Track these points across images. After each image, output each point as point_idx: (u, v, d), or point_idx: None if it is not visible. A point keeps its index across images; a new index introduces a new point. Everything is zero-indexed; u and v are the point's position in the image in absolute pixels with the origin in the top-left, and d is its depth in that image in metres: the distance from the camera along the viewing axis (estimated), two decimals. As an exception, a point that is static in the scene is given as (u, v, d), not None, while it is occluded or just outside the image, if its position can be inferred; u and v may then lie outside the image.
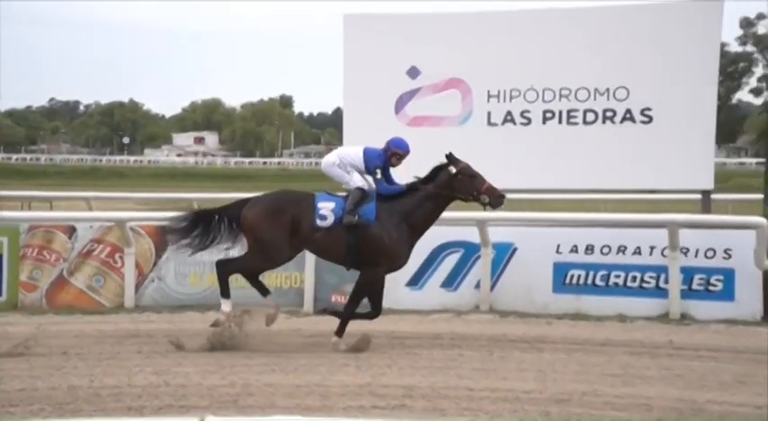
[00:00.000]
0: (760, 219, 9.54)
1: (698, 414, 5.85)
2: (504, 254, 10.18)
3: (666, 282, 9.55)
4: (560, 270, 10.03)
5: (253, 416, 5.61)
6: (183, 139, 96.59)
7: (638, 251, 9.82)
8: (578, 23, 10.82)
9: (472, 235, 10.13)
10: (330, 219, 8.13)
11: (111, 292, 10.52)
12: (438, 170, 8.36)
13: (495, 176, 11.07)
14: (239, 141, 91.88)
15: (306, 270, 10.36)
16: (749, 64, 58.90)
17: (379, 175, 8.41)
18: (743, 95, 61.39)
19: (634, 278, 9.80)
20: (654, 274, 9.70)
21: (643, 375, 6.94)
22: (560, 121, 10.86)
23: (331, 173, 8.56)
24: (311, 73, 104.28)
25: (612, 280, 9.84)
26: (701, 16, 10.36)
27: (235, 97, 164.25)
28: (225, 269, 8.40)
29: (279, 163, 74.47)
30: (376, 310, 8.30)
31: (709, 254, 9.58)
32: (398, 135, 11.06)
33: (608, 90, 10.62)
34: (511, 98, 10.98)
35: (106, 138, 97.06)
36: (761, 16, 51.78)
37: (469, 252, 10.23)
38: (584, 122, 10.77)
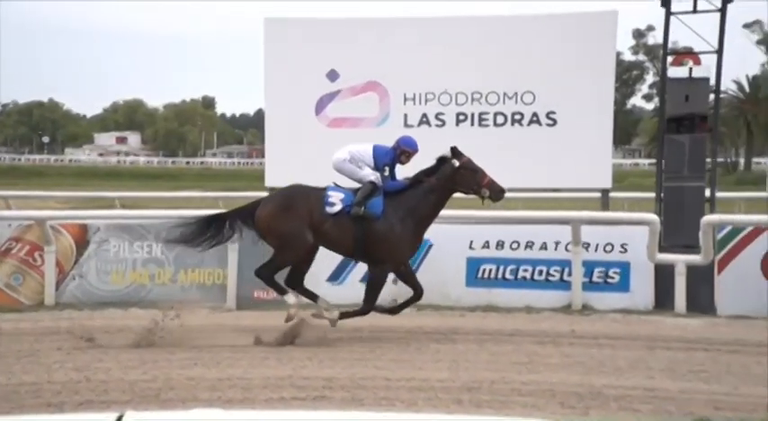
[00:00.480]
0: (652, 216, 9.84)
1: (596, 397, 6.00)
2: (421, 250, 10.23)
3: (569, 275, 9.73)
4: (473, 265, 10.14)
5: (173, 409, 5.55)
6: (105, 139, 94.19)
7: (544, 246, 9.98)
8: (489, 31, 10.94)
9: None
10: (337, 207, 8.12)
11: (30, 290, 10.23)
12: (441, 162, 8.34)
13: (413, 174, 11.25)
14: (162, 141, 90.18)
15: (228, 266, 10.25)
16: (641, 72, 60.74)
17: (386, 172, 8.38)
18: (636, 101, 63.25)
19: (540, 272, 9.97)
20: (558, 268, 9.89)
21: (547, 363, 7.10)
22: (472, 123, 10.96)
23: (342, 168, 8.51)
24: (233, 75, 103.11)
25: (521, 273, 10.00)
26: (598, 28, 10.57)
27: (157, 98, 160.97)
28: (264, 274, 8.37)
29: (202, 162, 73.46)
30: (418, 291, 8.47)
31: (608, 248, 9.81)
32: (318, 136, 11.16)
33: (516, 94, 10.77)
34: (426, 101, 11.05)
35: (25, 138, 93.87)
36: (650, 28, 53.43)
37: (388, 248, 10.25)
38: (495, 125, 10.90)
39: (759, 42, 51.16)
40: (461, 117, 10.98)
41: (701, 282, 9.41)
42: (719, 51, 10.38)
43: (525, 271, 9.98)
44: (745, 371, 6.82)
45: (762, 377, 6.61)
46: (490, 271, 10.09)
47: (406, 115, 11.07)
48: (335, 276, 10.38)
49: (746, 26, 51.51)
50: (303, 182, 11.78)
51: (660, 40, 10.96)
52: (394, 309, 8.48)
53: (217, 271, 10.36)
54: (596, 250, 9.83)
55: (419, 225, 8.33)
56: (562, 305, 9.67)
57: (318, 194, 8.23)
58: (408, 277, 8.52)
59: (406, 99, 11.05)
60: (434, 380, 6.54)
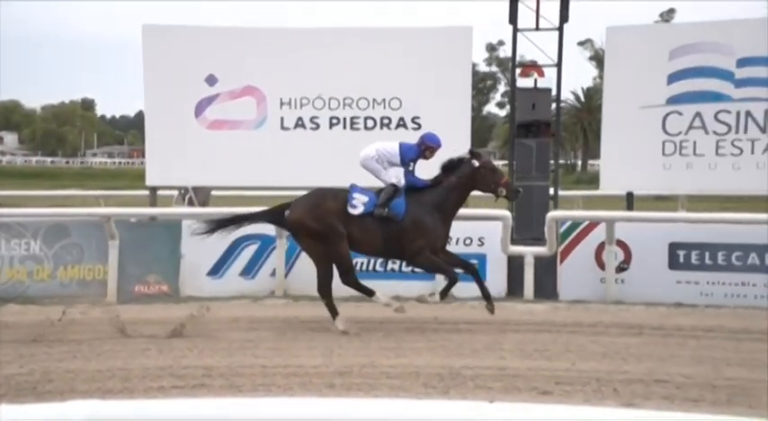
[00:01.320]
0: (505, 212, 10.09)
1: (455, 378, 6.11)
2: (295, 246, 10.22)
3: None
4: (347, 258, 10.20)
5: (50, 401, 5.33)
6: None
7: (410, 240, 10.16)
8: (359, 42, 11.00)
9: (268, 228, 10.10)
10: (360, 209, 7.93)
11: None
12: (460, 162, 8.22)
13: (289, 174, 11.22)
14: (40, 141, 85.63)
15: (109, 262, 9.93)
16: (494, 82, 62.56)
17: (411, 167, 8.26)
18: (491, 108, 65.00)
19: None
20: (423, 260, 10.08)
21: (413, 347, 7.19)
22: (345, 127, 11.01)
23: (368, 166, 8.34)
24: (114, 77, 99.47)
25: (390, 265, 10.10)
26: (455, 41, 10.76)
27: (35, 99, 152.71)
28: (350, 281, 8.18)
29: (82, 162, 70.53)
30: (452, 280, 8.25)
31: (467, 242, 10.02)
32: (197, 137, 10.95)
33: (384, 100, 10.88)
34: (301, 105, 11.01)
35: None
36: (501, 43, 55.16)
37: (266, 244, 10.17)
38: (365, 128, 10.97)
39: (591, 58, 53.59)
40: (334, 121, 11.01)
41: (546, 271, 9.76)
42: (559, 65, 10.82)
43: (394, 263, 10.09)
44: (582, 349, 7.11)
45: (596, 354, 6.94)
46: (362, 262, 10.14)
47: (282, 118, 11.01)
48: (215, 270, 10.23)
49: (580, 44, 53.86)
50: (182, 180, 11.63)
51: (510, 53, 11.30)
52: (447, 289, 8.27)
53: (97, 266, 10.04)
54: (457, 244, 10.00)
55: (445, 220, 8.25)
56: (427, 293, 9.80)
57: (343, 195, 8.08)
58: (454, 259, 8.38)
59: (282, 103, 10.98)
60: (309, 366, 6.53)
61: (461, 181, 8.16)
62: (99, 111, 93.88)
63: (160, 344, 7.32)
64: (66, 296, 9.33)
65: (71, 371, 6.39)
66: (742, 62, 10.23)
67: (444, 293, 8.16)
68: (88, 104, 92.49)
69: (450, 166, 8.23)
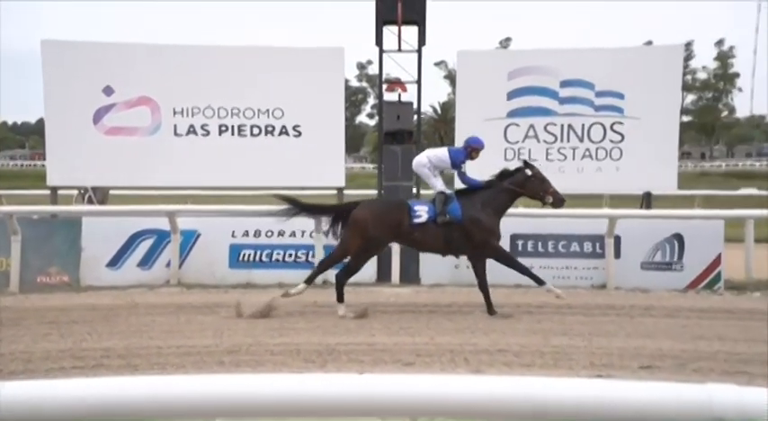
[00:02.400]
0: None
1: (331, 353, 6.10)
2: (191, 238, 10.01)
3: (313, 256, 9.87)
4: (235, 250, 10.05)
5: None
6: None
7: (293, 234, 10.08)
8: (245, 58, 10.85)
9: (164, 223, 9.85)
10: (423, 218, 7.74)
11: None
12: (516, 171, 8.05)
13: (181, 177, 10.95)
14: (-58, 146, 79.44)
15: (12, 255, 9.46)
16: (364, 96, 63.17)
17: (463, 169, 8.18)
18: (362, 118, 65.67)
19: (290, 254, 10.07)
20: (304, 251, 10.04)
21: (294, 328, 7.15)
22: (233, 134, 10.83)
23: (420, 172, 8.19)
24: (14, 86, 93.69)
25: (275, 256, 10.05)
26: (330, 60, 10.76)
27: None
28: (339, 276, 8.03)
29: (-15, 164, 65.88)
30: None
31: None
32: (96, 142, 10.53)
33: (268, 110, 10.78)
34: (193, 114, 10.76)
35: None
36: (369, 62, 55.68)
37: (161, 238, 9.92)
38: (252, 135, 10.83)
39: (445, 77, 55.02)
40: (223, 128, 10.81)
41: (410, 259, 9.88)
42: (419, 82, 11.04)
43: (278, 254, 10.04)
44: (439, 326, 7.23)
45: (450, 329, 7.09)
46: (249, 255, 10.05)
47: (175, 125, 10.72)
48: (114, 262, 9.88)
49: (436, 64, 55.19)
50: (82, 181, 11.13)
51: (377, 71, 11.42)
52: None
53: (0, 259, 9.54)
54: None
55: (496, 216, 8.05)
56: (320, 282, 9.80)
57: (405, 208, 7.90)
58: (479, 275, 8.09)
59: (175, 112, 10.70)
60: (201, 346, 6.38)
61: (512, 186, 8.06)
62: (0, 117, 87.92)
63: (61, 329, 6.99)
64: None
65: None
66: (564, 83, 10.76)
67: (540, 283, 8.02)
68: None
69: (505, 174, 8.16)
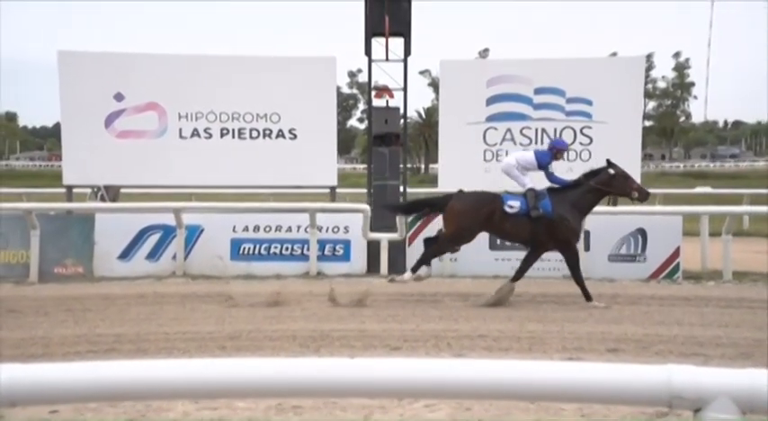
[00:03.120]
0: (365, 206, 10.21)
1: (324, 339, 6.09)
2: (195, 233, 9.97)
3: (308, 250, 9.86)
4: (236, 244, 10.01)
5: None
6: None
7: (289, 229, 10.05)
8: (245, 67, 10.81)
9: (170, 219, 9.80)
10: (516, 210, 7.65)
11: None
12: (599, 171, 7.90)
13: (186, 176, 10.92)
14: (-33, 147, 78.60)
15: (31, 248, 9.42)
16: (355, 101, 63.00)
17: (550, 169, 8.01)
18: (353, 122, 65.45)
19: (287, 248, 10.03)
20: (300, 245, 10.01)
21: (291, 315, 7.10)
22: (233, 137, 10.79)
23: (510, 173, 8.06)
24: (32, 94, 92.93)
25: (273, 250, 10.01)
26: (323, 68, 10.73)
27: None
28: (429, 251, 7.91)
29: (6, 165, 65.35)
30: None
31: (335, 230, 10.05)
32: (109, 145, 10.49)
33: (266, 115, 10.74)
34: (197, 118, 10.72)
35: None
36: (359, 70, 55.59)
37: (168, 232, 9.88)
38: (251, 138, 10.79)
39: (429, 84, 55.01)
40: (224, 131, 10.77)
41: (398, 252, 9.87)
42: (405, 89, 11.00)
43: (276, 248, 10.01)
44: (425, 313, 7.22)
45: (434, 316, 7.08)
46: (249, 248, 10.02)
47: (180, 129, 10.68)
48: (124, 255, 9.83)
49: (421, 73, 55.18)
50: (95, 180, 11.07)
51: (366, 79, 11.40)
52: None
53: (21, 252, 9.52)
54: (327, 231, 10.05)
55: (581, 215, 7.95)
56: (303, 272, 9.78)
57: (499, 200, 7.78)
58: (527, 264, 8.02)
59: (180, 116, 10.66)
60: (204, 332, 6.36)
61: (599, 185, 7.90)
62: (21, 122, 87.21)
63: (76, 316, 6.96)
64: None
65: (-2, 339, 5.96)
66: (538, 91, 10.79)
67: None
68: (11, 117, 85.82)
69: (590, 174, 8.01)
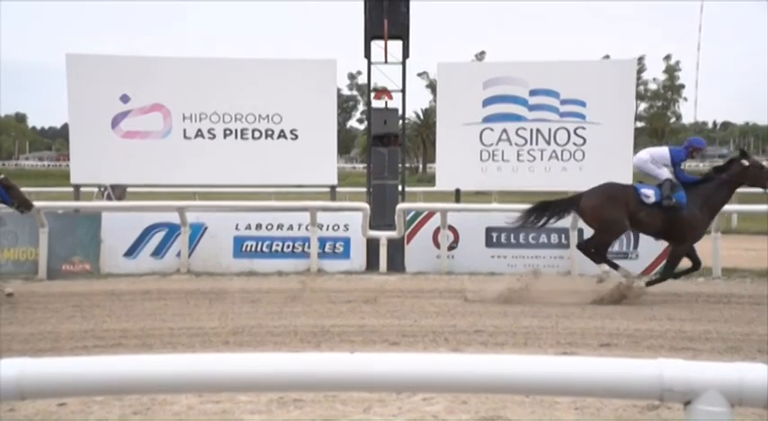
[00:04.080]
0: (364, 205, 10.22)
1: (325, 334, 6.08)
2: (198, 231, 9.95)
3: (309, 247, 9.85)
4: (238, 241, 10.00)
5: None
6: None
7: (291, 227, 10.03)
8: (248, 69, 10.80)
9: (174, 218, 9.80)
10: (651, 199, 7.47)
11: None
12: (731, 162, 7.67)
13: (190, 176, 10.92)
14: (-19, 148, 78.32)
15: (40, 245, 9.40)
16: (355, 103, 62.87)
17: (682, 167, 7.81)
18: (352, 123, 65.30)
19: (288, 245, 10.01)
20: (301, 243, 9.98)
21: (292, 311, 7.10)
22: (236, 137, 10.75)
23: (643, 167, 7.86)
24: (40, 95, 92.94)
25: (274, 247, 10.00)
26: (324, 70, 10.70)
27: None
28: (586, 248, 7.68)
29: (16, 164, 65.35)
30: (696, 263, 7.86)
31: (336, 228, 10.04)
32: (116, 145, 10.47)
33: (268, 116, 10.70)
34: (200, 119, 10.69)
35: None
36: (359, 72, 55.50)
37: (172, 230, 9.85)
38: (253, 138, 10.76)
39: (427, 86, 54.91)
40: (228, 132, 10.74)
41: (396, 250, 9.86)
42: (403, 90, 11.00)
43: (277, 245, 9.99)
44: (422, 309, 7.20)
45: (432, 312, 7.06)
46: (251, 246, 10.00)
47: (185, 130, 10.65)
48: (130, 252, 9.82)
49: (419, 75, 55.09)
50: (102, 179, 11.08)
51: (366, 81, 11.39)
52: (677, 274, 7.83)
53: (30, 249, 9.52)
54: (327, 229, 10.03)
55: (711, 213, 7.75)
56: (304, 269, 9.75)
57: (630, 190, 7.64)
58: (691, 252, 7.83)
59: (184, 117, 10.62)
60: (208, 327, 6.36)
61: (731, 178, 7.61)
62: (30, 123, 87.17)
63: (84, 312, 6.96)
64: (4, 273, 8.88)
65: (8, 334, 5.96)
66: (533, 92, 10.77)
67: (677, 275, 7.86)
68: (21, 118, 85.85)
69: (721, 167, 7.77)
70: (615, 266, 7.74)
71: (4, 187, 7.80)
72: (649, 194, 7.61)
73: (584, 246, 8.04)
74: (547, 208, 8.05)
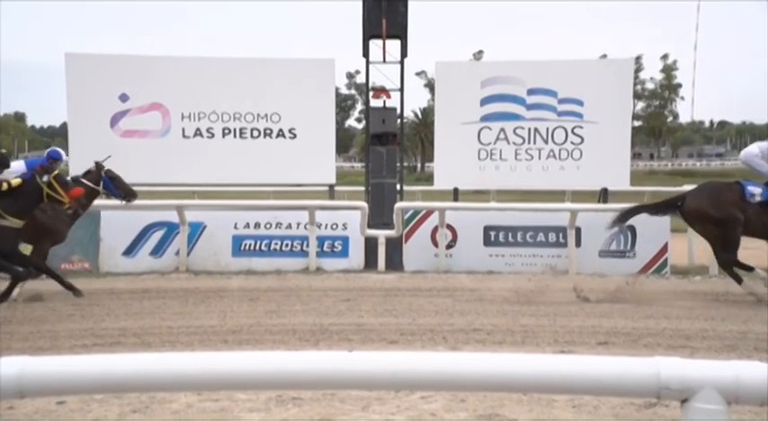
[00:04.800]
0: (363, 204, 10.20)
1: (323, 333, 6.08)
2: (197, 230, 9.95)
3: (307, 246, 9.86)
4: (237, 240, 9.99)
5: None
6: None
7: (289, 226, 10.03)
8: (246, 69, 10.79)
9: (173, 216, 9.79)
10: (757, 198, 7.20)
11: None
12: None
13: (188, 175, 10.90)
14: (-23, 147, 78.30)
15: (38, 246, 9.32)
16: (353, 102, 62.84)
17: None
18: (351, 122, 65.33)
19: (287, 244, 10.01)
20: (300, 241, 9.99)
21: (291, 310, 7.10)
22: (235, 136, 10.76)
23: (752, 162, 7.52)
24: (39, 95, 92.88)
25: (273, 246, 10.00)
26: (322, 69, 10.70)
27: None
28: (727, 263, 7.43)
29: (15, 163, 65.36)
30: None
31: (334, 226, 10.04)
32: (113, 144, 10.44)
33: (267, 115, 10.71)
34: (199, 118, 10.69)
35: None
36: (357, 71, 55.45)
37: (171, 229, 9.86)
38: (252, 137, 10.77)
39: (425, 85, 54.92)
40: (226, 131, 10.75)
41: (394, 248, 9.87)
42: (401, 90, 10.98)
43: (276, 244, 9.99)
44: (421, 308, 7.19)
45: (430, 311, 7.05)
46: (250, 244, 10.00)
47: (183, 129, 10.65)
48: (129, 251, 9.82)
49: (417, 74, 55.07)
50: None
51: (364, 80, 11.39)
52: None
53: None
54: (326, 228, 10.04)
55: None
56: (302, 268, 9.76)
57: (735, 187, 7.37)
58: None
59: (183, 116, 10.63)
60: (207, 326, 6.36)
61: None
62: (29, 122, 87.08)
63: (83, 311, 6.94)
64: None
65: (7, 332, 5.94)
66: (531, 91, 10.78)
67: None
68: (20, 117, 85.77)
69: None
70: (750, 269, 7.47)
71: (109, 178, 7.78)
72: (756, 192, 7.32)
73: (724, 262, 7.58)
74: (641, 211, 7.90)
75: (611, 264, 9.63)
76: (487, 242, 9.88)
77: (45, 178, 7.32)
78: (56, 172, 7.53)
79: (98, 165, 8.02)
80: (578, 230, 9.76)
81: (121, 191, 8.02)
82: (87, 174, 7.93)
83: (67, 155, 10.41)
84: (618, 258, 9.76)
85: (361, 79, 58.53)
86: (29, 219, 7.29)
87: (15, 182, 7.27)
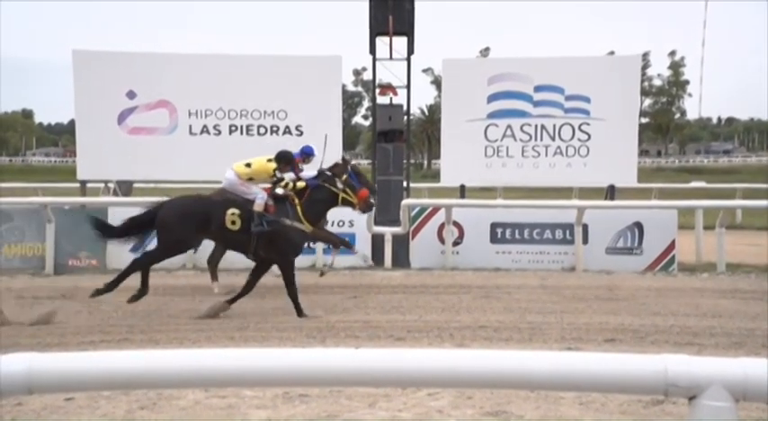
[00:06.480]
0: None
1: (330, 330, 6.08)
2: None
3: (314, 243, 9.78)
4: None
5: None
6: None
7: (296, 223, 10.03)
8: (253, 66, 10.80)
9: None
10: None
11: None
12: None
13: (195, 171, 10.89)
14: (-13, 144, 78.65)
15: (47, 241, 9.46)
16: (360, 99, 62.81)
17: None
18: (357, 119, 65.29)
19: (294, 241, 10.00)
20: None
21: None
22: (242, 133, 10.78)
23: None
24: (47, 91, 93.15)
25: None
26: (329, 67, 10.68)
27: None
28: None
29: (23, 160, 65.61)
30: None
31: (341, 223, 10.00)
32: (120, 141, 10.49)
33: (273, 112, 10.72)
34: (206, 115, 10.72)
35: None
36: (364, 68, 55.42)
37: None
38: (258, 134, 10.78)
39: (432, 82, 54.85)
40: (233, 128, 10.77)
41: (401, 245, 9.87)
42: (408, 87, 10.97)
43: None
44: (427, 305, 7.20)
45: (437, 308, 7.07)
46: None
47: (190, 126, 10.69)
48: (136, 247, 9.77)
49: (424, 71, 55.02)
50: (108, 175, 11.10)
51: (371, 77, 11.39)
52: None
53: (36, 245, 9.57)
54: (333, 225, 9.98)
55: None
56: (309, 265, 9.73)
57: None
58: None
59: (190, 114, 10.66)
60: (213, 323, 6.39)
61: None
62: (37, 119, 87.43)
63: (90, 307, 6.95)
64: (11, 269, 8.97)
65: (16, 329, 5.98)
66: (538, 88, 10.74)
67: None
68: (28, 114, 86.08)
69: None
70: None
71: (354, 174, 7.39)
72: None
73: None
74: None
75: (618, 262, 9.60)
76: (494, 239, 9.86)
77: (339, 185, 7.07)
78: (344, 175, 7.21)
79: (345, 160, 7.77)
80: (585, 227, 9.72)
81: (365, 187, 7.56)
82: (334, 167, 7.54)
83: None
84: (625, 255, 9.72)
85: (367, 76, 58.27)
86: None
87: (300, 184, 7.14)
